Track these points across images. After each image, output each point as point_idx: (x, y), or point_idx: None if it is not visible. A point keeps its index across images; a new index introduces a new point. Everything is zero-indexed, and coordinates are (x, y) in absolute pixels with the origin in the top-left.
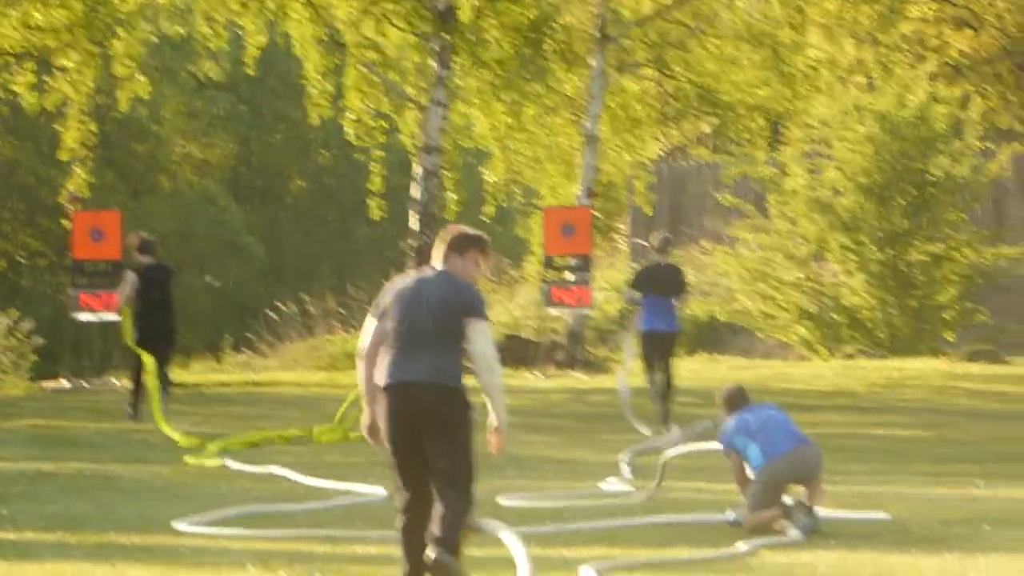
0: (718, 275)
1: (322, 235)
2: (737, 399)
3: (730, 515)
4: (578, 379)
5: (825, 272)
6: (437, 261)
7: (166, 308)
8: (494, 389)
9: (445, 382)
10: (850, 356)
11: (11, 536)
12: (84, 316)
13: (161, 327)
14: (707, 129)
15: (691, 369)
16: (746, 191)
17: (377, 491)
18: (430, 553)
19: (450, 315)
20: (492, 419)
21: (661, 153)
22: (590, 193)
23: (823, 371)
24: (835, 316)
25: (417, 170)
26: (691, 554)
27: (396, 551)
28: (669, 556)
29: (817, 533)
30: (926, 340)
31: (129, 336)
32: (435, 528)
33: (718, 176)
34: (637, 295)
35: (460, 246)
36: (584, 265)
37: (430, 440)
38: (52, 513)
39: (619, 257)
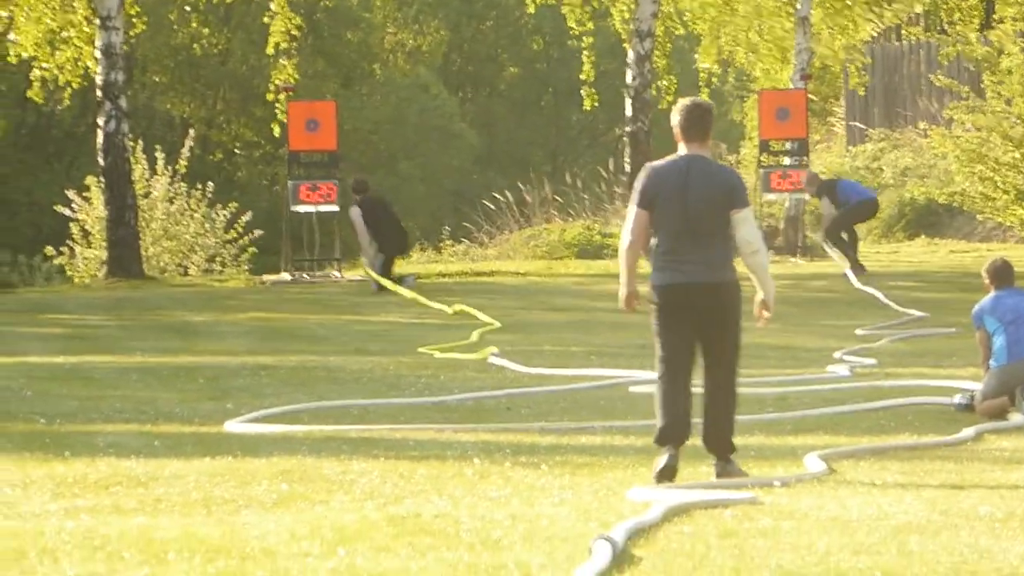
0: (935, 157)
1: (535, 122)
2: (1002, 274)
3: (958, 398)
4: (796, 264)
5: None
6: (685, 142)
7: (399, 231)
8: (761, 269)
9: (722, 278)
10: None
11: (236, 430)
12: (301, 208)
13: (400, 247)
14: (919, 9)
15: (910, 253)
16: (960, 71)
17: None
18: (718, 467)
19: (719, 209)
20: (760, 295)
21: (873, 34)
22: (803, 76)
23: None
24: None
25: (630, 55)
26: (916, 440)
27: (621, 440)
28: (894, 443)
29: None
30: None
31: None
32: (714, 429)
33: (932, 56)
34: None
35: (702, 126)
36: (800, 149)
37: (706, 328)
38: (275, 407)
39: (835, 140)
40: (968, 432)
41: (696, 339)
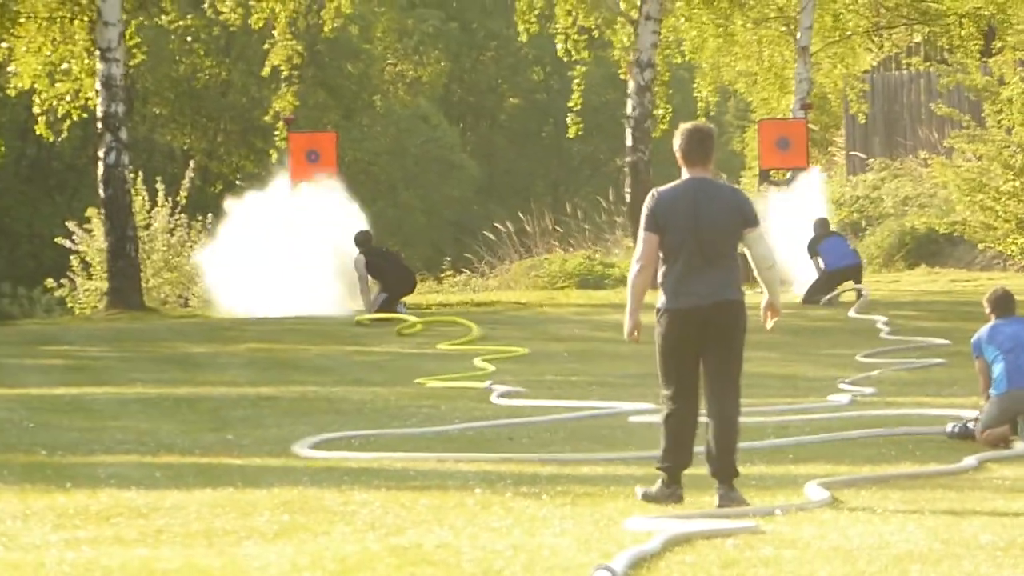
0: (935, 186)
1: (536, 152)
2: (1003, 303)
3: (950, 426)
4: (797, 294)
5: None
6: (687, 166)
7: (407, 273)
8: (774, 283)
9: (733, 297)
10: None
11: (237, 461)
12: None
13: (407, 288)
14: (918, 39)
15: (911, 282)
16: (960, 100)
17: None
18: (721, 491)
19: (732, 229)
20: (766, 299)
21: (873, 64)
22: (804, 106)
23: None
24: None
25: (631, 86)
26: (918, 468)
27: (622, 470)
28: (895, 471)
29: None
30: None
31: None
32: (720, 455)
33: (932, 86)
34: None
35: (704, 150)
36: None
37: (715, 349)
38: (276, 437)
39: (835, 170)
40: (970, 461)
41: (702, 363)
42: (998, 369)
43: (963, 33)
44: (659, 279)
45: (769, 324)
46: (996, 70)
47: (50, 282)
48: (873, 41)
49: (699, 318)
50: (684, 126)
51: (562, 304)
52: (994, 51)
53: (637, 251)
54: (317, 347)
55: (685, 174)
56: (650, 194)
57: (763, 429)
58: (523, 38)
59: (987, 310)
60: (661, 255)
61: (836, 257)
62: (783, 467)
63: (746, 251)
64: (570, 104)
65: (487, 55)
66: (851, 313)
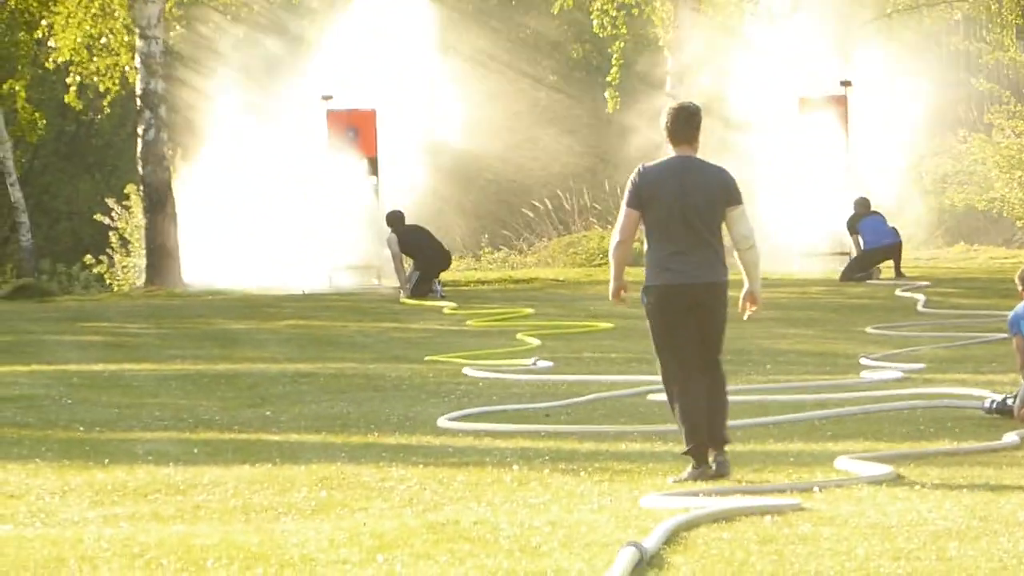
0: (975, 163)
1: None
2: None
3: (987, 402)
4: (833, 270)
5: None
6: (674, 144)
7: (441, 251)
8: (754, 265)
9: (717, 278)
10: None
11: (275, 437)
12: None
13: (442, 265)
14: (958, 16)
15: (950, 259)
16: (1000, 78)
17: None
18: (717, 459)
19: (714, 208)
20: (747, 286)
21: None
22: (843, 82)
23: None
24: None
25: (670, 63)
26: (955, 446)
27: (660, 446)
28: (932, 448)
29: None
30: None
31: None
32: (717, 424)
33: (971, 63)
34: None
35: (690, 128)
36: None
37: (702, 326)
38: (314, 413)
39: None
40: (1012, 437)
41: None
42: None
43: (1003, 10)
44: (645, 256)
45: (746, 315)
46: None
47: (89, 258)
48: (913, 19)
49: (684, 294)
50: (671, 105)
51: (600, 281)
52: None
53: (618, 224)
54: (355, 324)
55: (672, 151)
56: (636, 169)
57: (801, 405)
58: (555, 10)
59: (1020, 287)
60: (645, 231)
61: (876, 236)
62: (820, 444)
63: (727, 230)
64: (608, 79)
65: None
66: (898, 292)
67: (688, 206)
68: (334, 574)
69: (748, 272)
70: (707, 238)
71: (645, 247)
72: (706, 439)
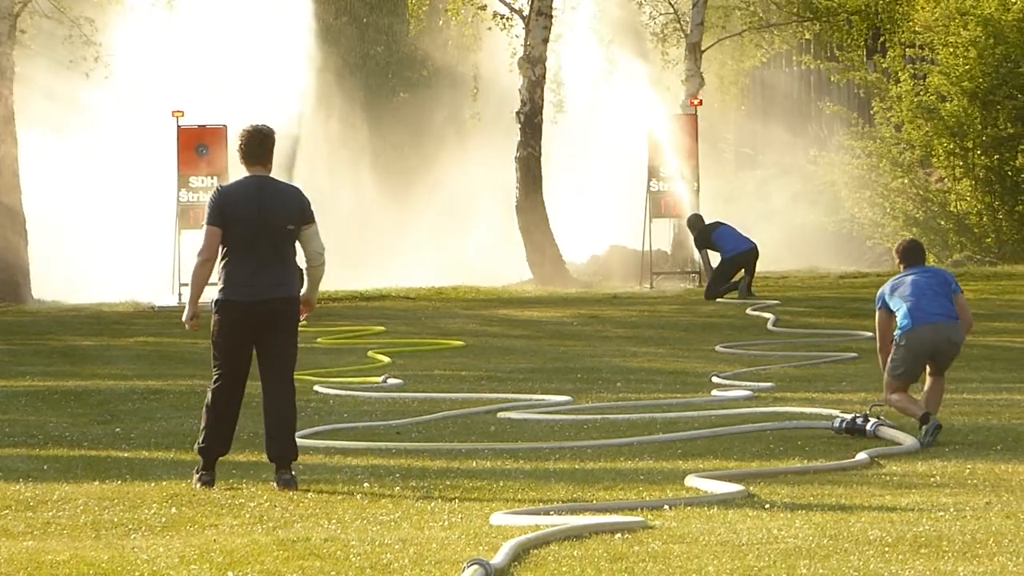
0: (824, 183)
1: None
2: (909, 254)
3: (837, 421)
4: (686, 289)
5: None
6: (247, 166)
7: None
8: (319, 280)
9: (290, 293)
10: (959, 263)
11: (125, 454)
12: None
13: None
14: (808, 36)
15: (800, 279)
16: (850, 98)
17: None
18: (284, 476)
19: (294, 225)
20: (306, 293)
21: (763, 60)
22: (693, 102)
23: None
24: (942, 222)
25: (521, 81)
26: (805, 464)
27: (510, 464)
28: (783, 467)
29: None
30: None
31: None
32: (279, 436)
33: (822, 83)
34: None
35: (263, 150)
36: (690, 174)
37: (273, 341)
38: (164, 430)
39: (725, 166)
40: (862, 456)
41: (257, 353)
42: (902, 310)
43: (853, 31)
44: (220, 271)
45: (303, 318)
46: (891, 66)
47: None
48: (764, 39)
49: (255, 310)
50: (244, 127)
51: (451, 298)
52: (878, 48)
53: (203, 243)
54: (205, 341)
55: (246, 172)
56: (215, 189)
57: (652, 424)
58: (414, 33)
59: (896, 260)
60: (224, 248)
61: (736, 242)
62: (671, 462)
63: (301, 247)
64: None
65: (377, 49)
66: (749, 311)
67: (268, 225)
68: None
69: (312, 283)
70: (286, 255)
71: (221, 263)
72: (271, 454)
